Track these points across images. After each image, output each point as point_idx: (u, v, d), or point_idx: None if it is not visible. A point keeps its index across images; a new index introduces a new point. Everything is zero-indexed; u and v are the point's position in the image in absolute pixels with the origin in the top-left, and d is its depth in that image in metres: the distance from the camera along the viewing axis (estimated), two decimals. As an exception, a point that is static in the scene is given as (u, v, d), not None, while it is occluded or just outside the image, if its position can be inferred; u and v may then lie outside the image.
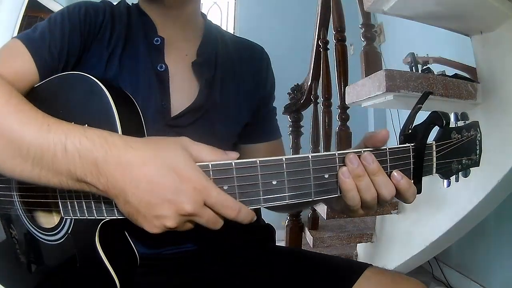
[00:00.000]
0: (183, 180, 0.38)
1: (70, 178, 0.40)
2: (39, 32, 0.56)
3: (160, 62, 0.62)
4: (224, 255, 0.67)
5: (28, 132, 0.41)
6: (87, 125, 0.44)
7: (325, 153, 0.43)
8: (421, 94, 0.46)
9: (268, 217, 0.78)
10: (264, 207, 0.43)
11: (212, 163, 0.40)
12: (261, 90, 0.72)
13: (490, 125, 1.04)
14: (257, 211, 0.77)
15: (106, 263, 0.49)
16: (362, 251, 1.80)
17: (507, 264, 1.60)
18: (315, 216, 1.71)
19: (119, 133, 0.46)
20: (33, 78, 0.53)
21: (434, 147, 0.46)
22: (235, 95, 0.68)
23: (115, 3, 0.67)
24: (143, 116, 0.53)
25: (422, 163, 0.45)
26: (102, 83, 0.49)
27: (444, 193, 1.25)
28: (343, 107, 1.49)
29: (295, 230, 1.73)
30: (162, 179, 0.38)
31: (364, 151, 0.43)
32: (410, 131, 0.45)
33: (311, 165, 0.42)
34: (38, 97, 0.55)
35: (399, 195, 0.44)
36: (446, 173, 0.48)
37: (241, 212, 0.40)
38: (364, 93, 1.14)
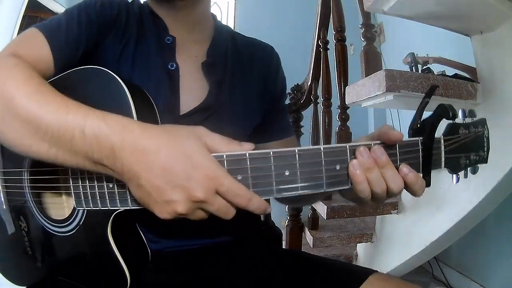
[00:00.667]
0: (196, 167, 0.39)
1: (87, 160, 0.41)
2: (56, 22, 0.56)
3: (172, 61, 0.62)
4: (227, 255, 0.67)
5: (46, 113, 0.41)
6: None
7: (337, 145, 0.43)
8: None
9: (269, 217, 0.78)
10: (277, 198, 0.43)
11: (226, 153, 0.41)
12: (271, 89, 0.72)
13: (490, 125, 1.04)
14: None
15: (118, 256, 0.49)
16: (362, 251, 1.80)
17: (506, 264, 1.60)
18: (315, 216, 1.70)
19: None
20: (49, 65, 0.54)
21: (442, 141, 0.47)
22: (245, 95, 0.68)
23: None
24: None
25: (431, 157, 0.46)
26: (120, 78, 0.49)
27: (444, 193, 1.25)
28: (343, 107, 1.49)
29: (295, 230, 1.72)
30: (175, 165, 0.38)
31: (374, 143, 0.44)
32: (418, 125, 0.46)
33: (323, 156, 0.42)
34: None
35: (408, 188, 0.45)
36: (454, 167, 0.49)
37: (252, 201, 0.40)
38: (364, 93, 1.14)
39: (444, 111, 0.45)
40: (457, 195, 1.20)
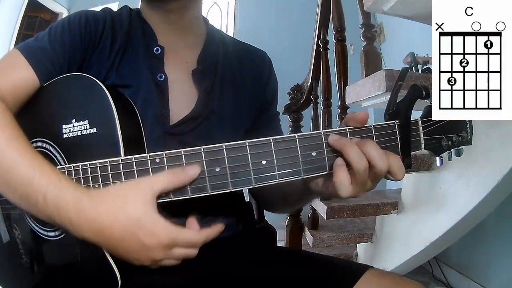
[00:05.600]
0: (147, 235, 0.43)
1: (52, 220, 0.45)
2: (40, 42, 0.56)
3: (160, 71, 0.62)
4: (224, 254, 0.67)
5: (20, 165, 0.45)
6: (88, 122, 0.48)
7: (311, 132, 0.45)
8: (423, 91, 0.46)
9: (268, 216, 0.78)
10: (255, 187, 0.45)
11: (204, 146, 0.44)
12: (261, 96, 0.72)
13: (490, 125, 1.04)
14: (260, 213, 0.77)
15: (107, 256, 0.49)
16: (362, 251, 1.80)
17: (506, 264, 1.60)
18: (315, 216, 1.70)
19: (119, 134, 0.48)
20: (35, 87, 0.55)
21: (420, 123, 0.47)
22: (235, 102, 0.68)
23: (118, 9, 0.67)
24: (142, 124, 0.54)
25: (409, 138, 0.46)
26: (102, 84, 0.50)
27: (444, 193, 1.25)
28: (343, 107, 1.49)
29: (295, 230, 1.73)
30: (130, 239, 0.43)
31: (348, 129, 0.45)
32: (394, 108, 0.47)
33: (298, 143, 0.44)
34: (39, 97, 0.56)
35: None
36: (436, 149, 0.49)
37: (206, 240, 0.46)
38: (364, 93, 1.14)
39: (417, 91, 0.45)
40: (457, 195, 1.20)
